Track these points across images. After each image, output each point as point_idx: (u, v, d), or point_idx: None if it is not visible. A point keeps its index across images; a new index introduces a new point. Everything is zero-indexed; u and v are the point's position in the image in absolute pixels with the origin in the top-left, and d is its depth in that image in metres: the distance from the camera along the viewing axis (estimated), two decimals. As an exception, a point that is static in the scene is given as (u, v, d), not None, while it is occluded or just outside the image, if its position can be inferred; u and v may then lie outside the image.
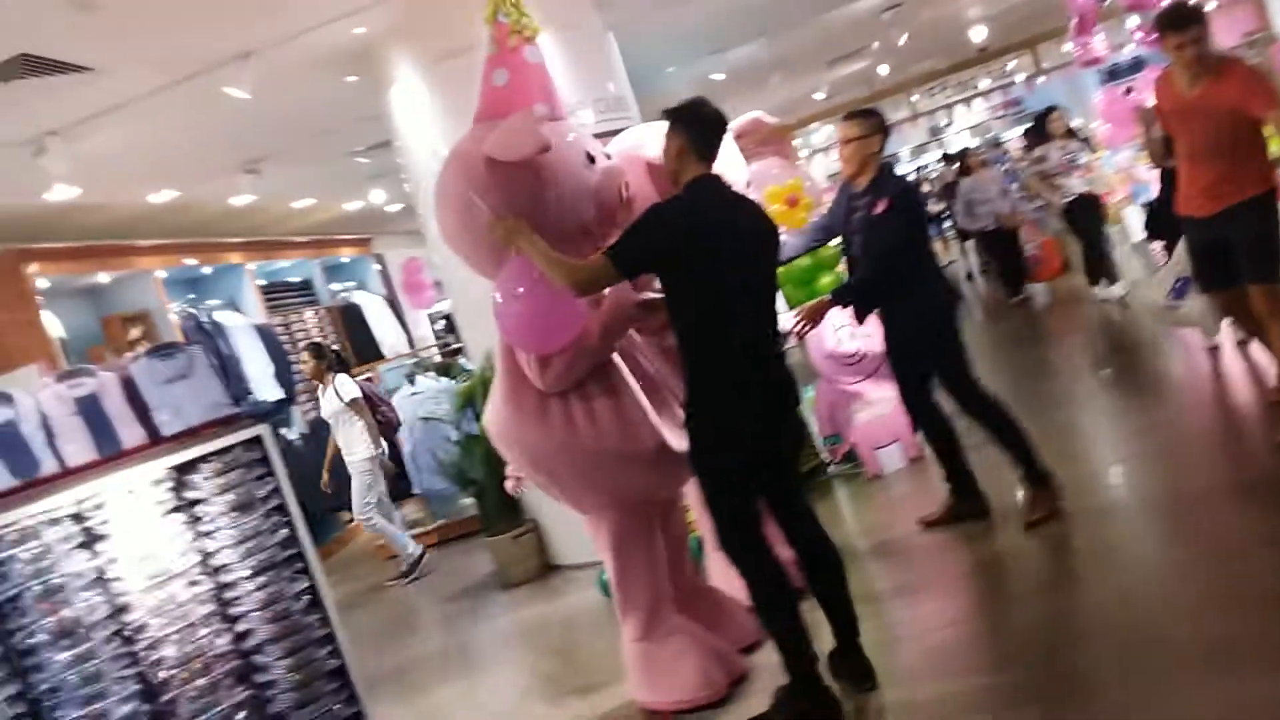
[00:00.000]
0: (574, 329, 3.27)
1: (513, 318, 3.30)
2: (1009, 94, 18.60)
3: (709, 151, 3.14)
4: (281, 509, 3.66)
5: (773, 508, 3.19)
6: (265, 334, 8.66)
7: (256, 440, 3.72)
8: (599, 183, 3.44)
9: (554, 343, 3.30)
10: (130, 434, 3.59)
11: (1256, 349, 4.83)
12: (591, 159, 3.45)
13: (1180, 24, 3.92)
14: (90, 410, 3.57)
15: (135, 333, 7.67)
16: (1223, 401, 5.04)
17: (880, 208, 4.16)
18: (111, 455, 3.51)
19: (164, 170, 7.32)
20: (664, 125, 3.22)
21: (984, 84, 16.66)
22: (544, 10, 5.77)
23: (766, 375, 3.09)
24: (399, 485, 7.44)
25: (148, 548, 3.43)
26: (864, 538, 4.79)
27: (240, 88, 5.40)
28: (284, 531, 3.64)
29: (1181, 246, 4.44)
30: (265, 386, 8.40)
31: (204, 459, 3.59)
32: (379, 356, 10.14)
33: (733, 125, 4.55)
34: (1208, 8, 14.41)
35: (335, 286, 10.85)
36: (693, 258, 2.97)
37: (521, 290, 3.24)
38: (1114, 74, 15.84)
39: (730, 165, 4.14)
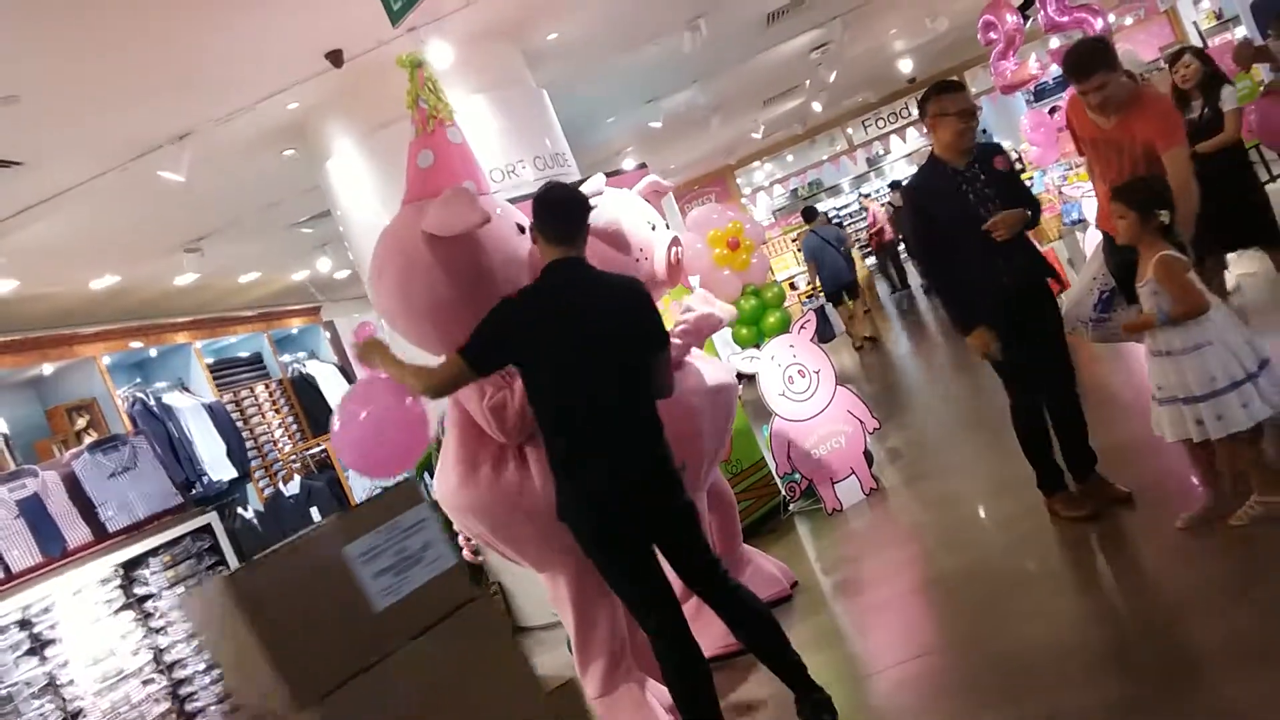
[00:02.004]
0: (405, 463, 3.39)
1: (348, 445, 3.37)
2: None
3: (561, 234, 3.14)
4: (236, 597, 3.60)
5: (686, 584, 3.16)
6: (216, 413, 8.62)
7: (206, 529, 3.66)
8: (531, 250, 3.54)
9: (386, 471, 3.43)
10: (76, 533, 3.53)
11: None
12: (521, 229, 3.52)
13: (1082, 72, 3.86)
14: (33, 512, 3.51)
15: (82, 422, 7.53)
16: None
17: (1002, 163, 4.03)
18: (57, 556, 3.44)
19: (104, 256, 7.24)
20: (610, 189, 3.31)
21: (915, 112, 17.01)
22: (479, 73, 5.93)
23: (621, 455, 3.01)
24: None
25: (99, 648, 3.36)
26: (828, 574, 4.81)
27: (175, 171, 5.39)
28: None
29: (1098, 260, 4.45)
30: (219, 466, 8.34)
31: (153, 552, 3.53)
32: (335, 425, 10.04)
33: (637, 188, 4.68)
34: (1126, 21, 14.95)
35: (286, 358, 10.73)
36: (537, 344, 3.01)
37: (363, 416, 3.32)
38: (1039, 94, 16.36)
39: (638, 217, 4.26)
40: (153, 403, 8.04)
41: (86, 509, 3.59)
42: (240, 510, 8.50)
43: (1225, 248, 5.62)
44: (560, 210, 3.16)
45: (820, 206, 18.86)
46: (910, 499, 5.41)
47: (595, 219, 4.06)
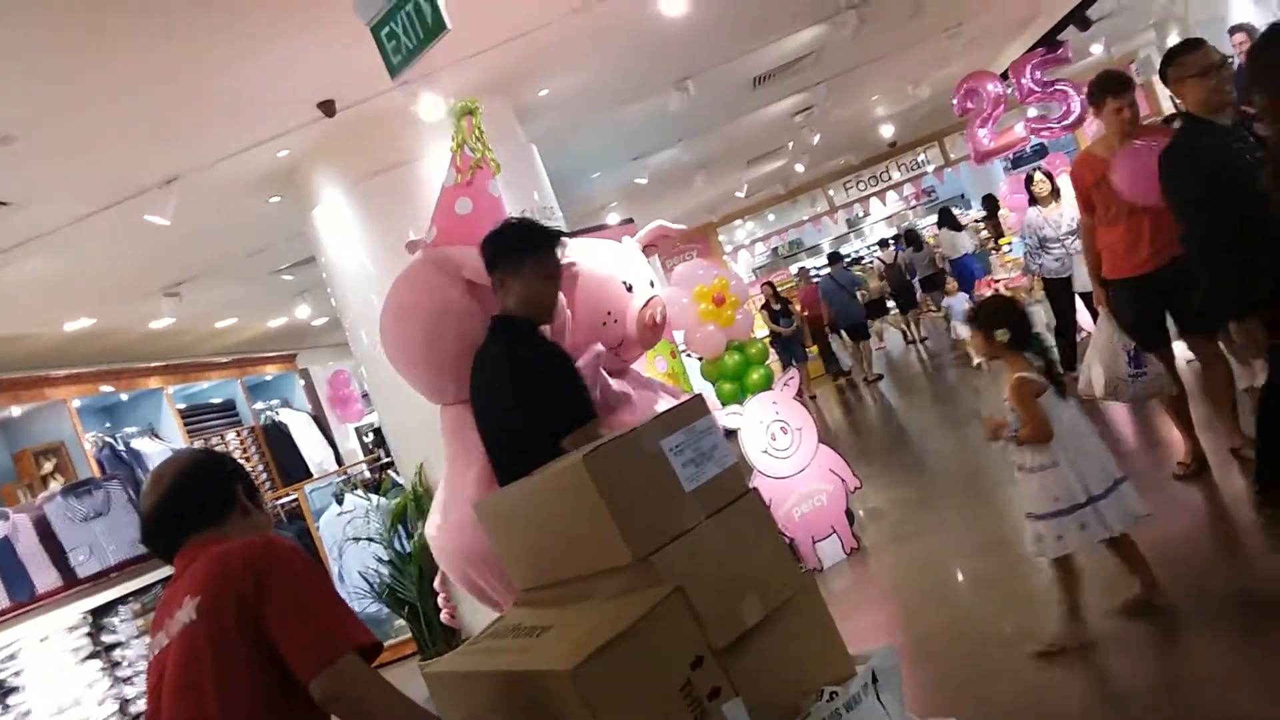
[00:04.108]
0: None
1: None
2: (920, 184, 19.42)
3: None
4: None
5: None
6: (188, 459, 8.49)
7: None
8: (561, 306, 3.60)
9: None
10: (45, 578, 3.43)
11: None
12: None
13: (1121, 87, 4.21)
14: (2, 555, 3.42)
15: (49, 466, 7.39)
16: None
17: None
18: (25, 601, 3.34)
19: (81, 298, 7.17)
20: (590, 243, 3.29)
21: (896, 175, 17.34)
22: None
23: None
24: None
25: (64, 697, 3.25)
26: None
27: (161, 214, 5.36)
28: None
29: (1106, 323, 4.42)
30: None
31: (122, 600, 3.44)
32: (307, 475, 9.91)
33: (639, 235, 4.69)
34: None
35: (259, 405, 10.62)
36: None
37: None
38: (1017, 162, 16.72)
39: (635, 273, 4.25)
40: (121, 448, 7.91)
41: (56, 553, 3.50)
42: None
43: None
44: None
45: (806, 263, 19.23)
46: (892, 558, 5.38)
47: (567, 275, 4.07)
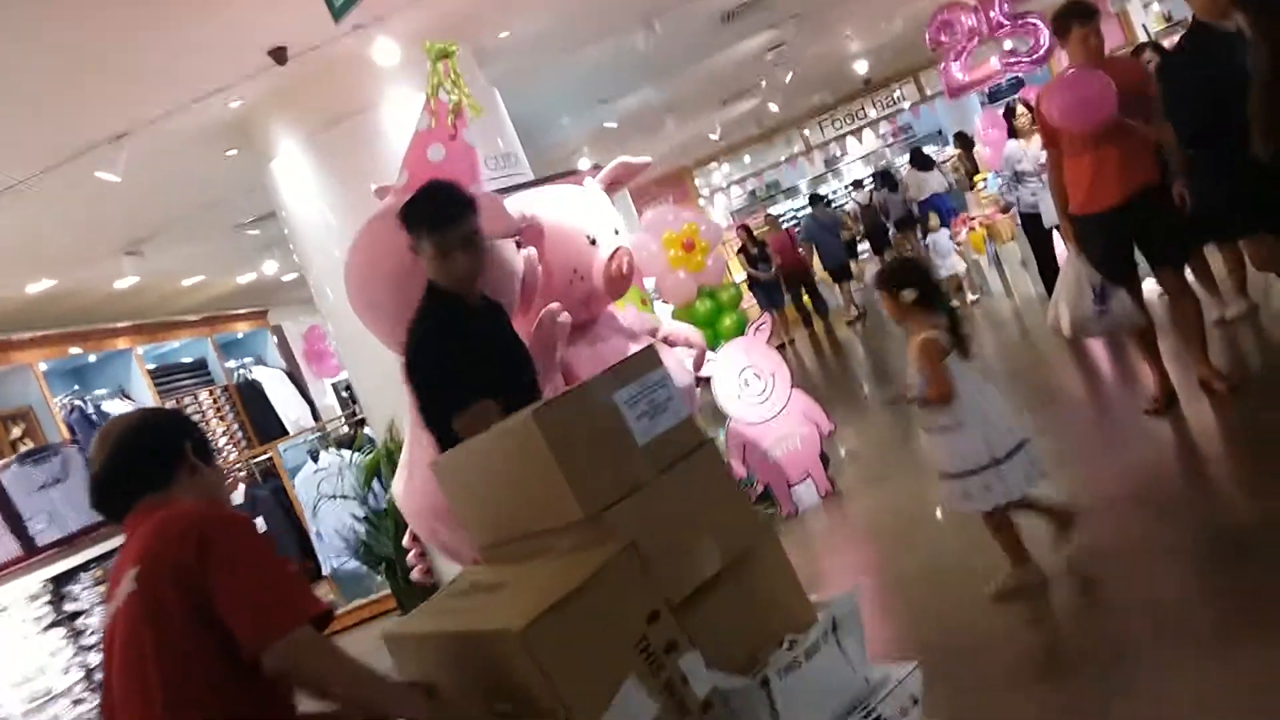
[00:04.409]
0: None
1: None
2: (897, 121, 19.24)
3: None
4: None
5: None
6: (159, 419, 8.40)
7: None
8: (524, 269, 3.58)
9: None
10: (3, 548, 3.37)
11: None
12: (518, 245, 3.55)
13: (1086, 14, 4.11)
14: (-45, 526, 3.35)
15: (17, 431, 7.28)
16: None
17: None
18: (-19, 572, 3.29)
19: (40, 260, 7.02)
20: (550, 192, 3.19)
21: (872, 113, 17.14)
22: (426, 69, 5.81)
23: None
24: (305, 569, 7.14)
25: (28, 667, 3.21)
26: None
27: (112, 171, 5.22)
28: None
29: (1074, 259, 4.36)
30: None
31: (84, 567, 3.39)
32: (283, 433, 9.84)
33: (601, 175, 4.58)
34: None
35: (231, 364, 10.50)
36: None
37: None
38: (993, 96, 16.55)
39: (598, 223, 4.17)
40: (91, 410, 7.81)
41: (15, 522, 3.44)
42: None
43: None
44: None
45: (776, 210, 19.06)
46: (867, 501, 5.39)
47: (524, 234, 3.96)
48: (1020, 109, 7.41)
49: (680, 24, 7.46)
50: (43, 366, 7.82)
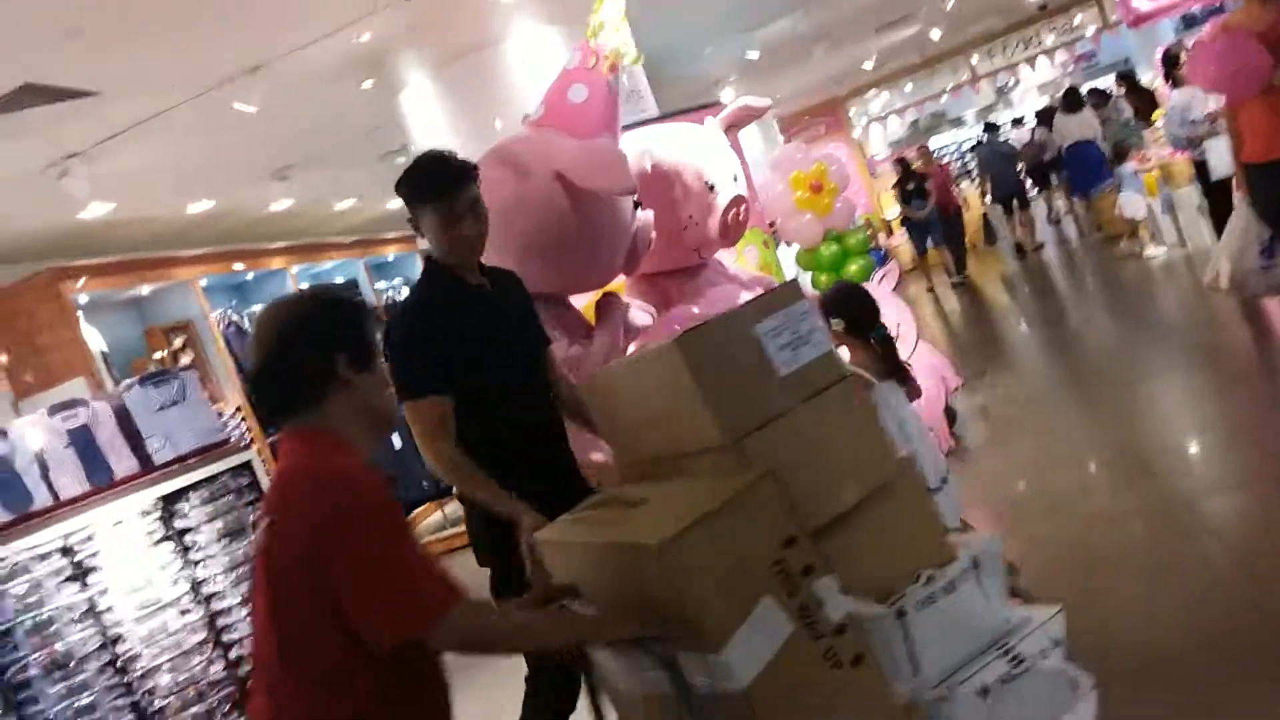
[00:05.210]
0: None
1: None
2: (1075, 50, 17.82)
3: None
4: (270, 535, 3.65)
5: None
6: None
7: (246, 466, 3.70)
8: (637, 229, 3.51)
9: None
10: (122, 464, 3.61)
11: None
12: (636, 205, 3.47)
13: None
14: (83, 442, 3.60)
15: (178, 342, 7.80)
16: None
17: None
18: (104, 486, 3.53)
19: (195, 182, 7.41)
20: (668, 130, 3.06)
21: (1049, 41, 15.90)
22: (557, 2, 5.71)
23: None
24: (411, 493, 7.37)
25: (138, 578, 3.45)
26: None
27: (248, 102, 5.40)
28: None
29: (1243, 209, 4.15)
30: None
31: (193, 487, 3.59)
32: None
33: (722, 115, 4.40)
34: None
35: (381, 285, 10.87)
36: None
37: None
38: (1189, 24, 15.02)
39: (717, 166, 4.01)
40: (247, 325, 8.26)
41: (134, 441, 3.67)
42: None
43: None
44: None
45: (940, 141, 18.12)
46: (986, 464, 5.12)
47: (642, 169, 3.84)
48: (1184, 55, 6.78)
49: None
50: (203, 282, 8.30)
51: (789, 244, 6.05)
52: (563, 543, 2.06)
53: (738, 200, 4.07)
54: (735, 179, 4.20)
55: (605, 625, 1.79)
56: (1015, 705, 1.78)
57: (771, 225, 5.95)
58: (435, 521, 8.18)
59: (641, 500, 1.91)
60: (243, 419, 6.99)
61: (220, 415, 5.54)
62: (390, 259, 11.55)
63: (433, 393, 2.40)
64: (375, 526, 1.62)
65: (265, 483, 3.74)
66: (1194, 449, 4.40)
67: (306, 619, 1.61)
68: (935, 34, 13.22)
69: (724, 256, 4.59)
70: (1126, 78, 11.12)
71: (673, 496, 1.86)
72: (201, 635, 3.49)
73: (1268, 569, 2.99)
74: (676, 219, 4.00)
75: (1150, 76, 13.86)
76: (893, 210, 15.19)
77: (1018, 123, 15.02)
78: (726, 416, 1.77)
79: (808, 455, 1.82)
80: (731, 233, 4.19)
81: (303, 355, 1.73)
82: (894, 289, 5.70)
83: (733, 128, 4.53)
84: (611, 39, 3.36)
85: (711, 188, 4.05)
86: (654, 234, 3.73)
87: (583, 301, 3.75)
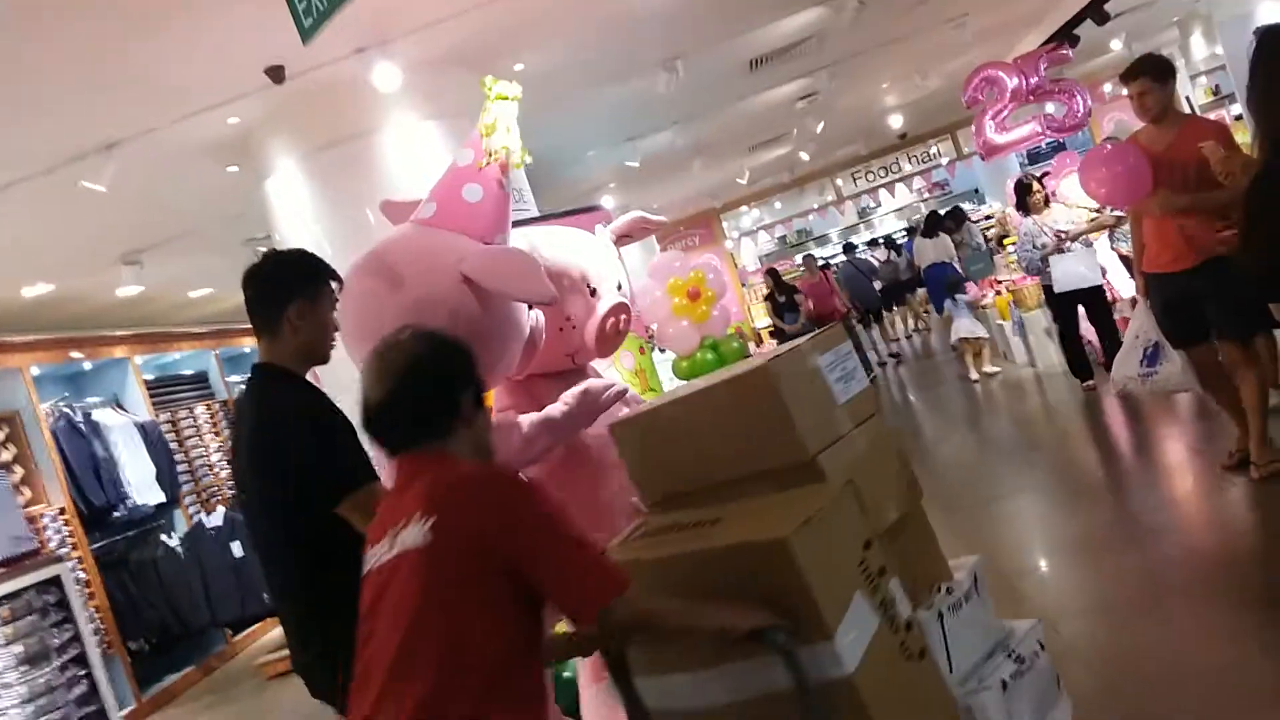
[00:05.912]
0: None
1: None
2: (931, 178, 18.97)
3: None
4: (80, 659, 3.23)
5: None
6: (149, 433, 8.22)
7: (54, 581, 3.29)
8: (533, 328, 3.42)
9: None
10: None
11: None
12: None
13: (1128, 74, 4.25)
14: None
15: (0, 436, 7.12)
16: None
17: None
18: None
19: (35, 263, 6.89)
20: (557, 233, 3.02)
21: (907, 167, 16.86)
22: (431, 99, 5.63)
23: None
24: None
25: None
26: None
27: (98, 181, 5.07)
28: (82, 686, 3.20)
29: (1142, 315, 4.46)
30: (146, 489, 7.93)
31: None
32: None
33: (615, 225, 4.35)
34: (1122, 92, 14.91)
35: (234, 379, 10.33)
36: None
37: None
38: (1033, 158, 16.20)
39: (602, 272, 3.93)
40: (79, 419, 7.64)
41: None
42: (164, 537, 8.10)
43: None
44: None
45: (802, 255, 18.86)
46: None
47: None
48: (1035, 185, 7.34)
49: (705, 68, 7.27)
50: (34, 370, 7.67)
51: (663, 350, 6.02)
52: (648, 560, 2.08)
53: (620, 308, 3.97)
54: (619, 287, 4.12)
55: (747, 613, 1.84)
56: (1021, 698, 2.07)
57: (648, 331, 5.92)
58: (275, 639, 7.60)
59: (713, 519, 2.03)
60: (65, 522, 6.36)
61: (33, 522, 4.98)
62: (247, 350, 11.03)
63: (368, 479, 2.34)
64: (556, 514, 1.78)
65: (75, 601, 3.32)
66: (1049, 570, 4.45)
67: (482, 605, 1.70)
68: (804, 155, 13.82)
69: (598, 363, 4.48)
70: (956, 214, 11.70)
71: (753, 510, 2.01)
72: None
73: (1133, 694, 2.98)
74: (555, 319, 3.89)
75: (1000, 205, 14.82)
76: (763, 320, 15.57)
77: (873, 244, 15.91)
78: (808, 434, 1.99)
79: (864, 473, 2.05)
80: (609, 341, 4.08)
81: (435, 387, 1.88)
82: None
83: (624, 238, 4.48)
84: (502, 138, 3.27)
85: (594, 292, 3.95)
86: (541, 324, 3.63)
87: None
